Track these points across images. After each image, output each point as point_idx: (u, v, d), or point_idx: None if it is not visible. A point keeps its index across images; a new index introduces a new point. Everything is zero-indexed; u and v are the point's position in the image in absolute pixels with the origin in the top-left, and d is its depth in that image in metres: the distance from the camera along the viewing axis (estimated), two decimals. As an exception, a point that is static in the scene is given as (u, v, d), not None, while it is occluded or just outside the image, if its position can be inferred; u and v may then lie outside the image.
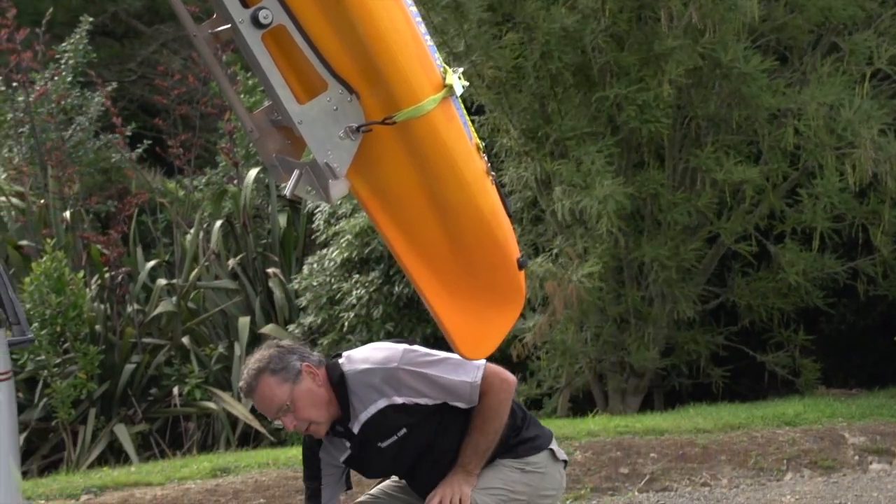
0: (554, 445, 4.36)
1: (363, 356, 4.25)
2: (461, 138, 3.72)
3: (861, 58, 9.92)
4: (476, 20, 9.69)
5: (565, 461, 4.39)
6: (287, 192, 3.64)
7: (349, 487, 4.50)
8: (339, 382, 4.19)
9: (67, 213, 12.95)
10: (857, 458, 8.26)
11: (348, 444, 4.29)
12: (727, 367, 10.99)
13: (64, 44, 14.92)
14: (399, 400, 4.16)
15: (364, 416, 4.20)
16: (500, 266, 3.85)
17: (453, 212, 3.72)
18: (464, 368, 4.20)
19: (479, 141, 3.81)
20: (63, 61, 14.72)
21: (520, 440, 4.31)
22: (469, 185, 3.70)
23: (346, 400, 4.20)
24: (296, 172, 3.62)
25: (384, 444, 4.24)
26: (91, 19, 15.48)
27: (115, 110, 13.94)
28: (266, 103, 3.79)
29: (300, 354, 4.20)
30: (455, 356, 4.07)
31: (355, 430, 4.24)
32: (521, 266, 3.85)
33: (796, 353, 10.91)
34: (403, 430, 4.21)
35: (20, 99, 13.62)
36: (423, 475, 4.32)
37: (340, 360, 4.25)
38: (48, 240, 11.24)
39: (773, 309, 10.67)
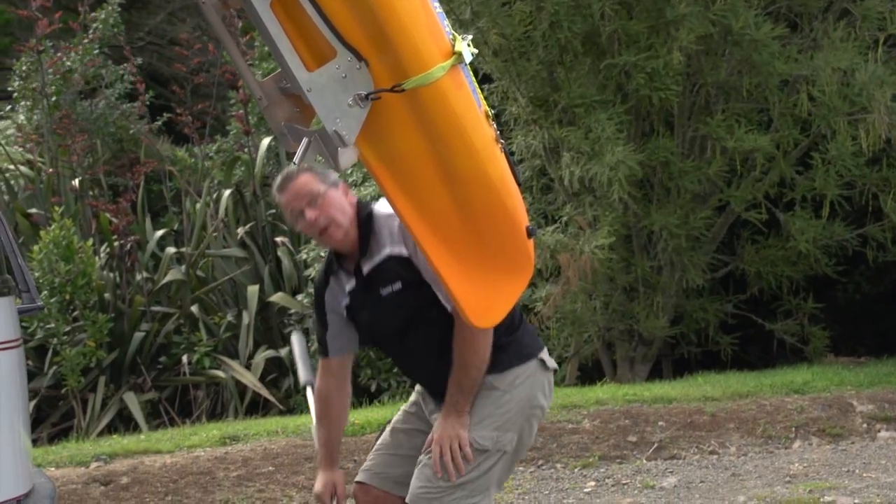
0: (544, 355, 4.34)
1: None
2: (470, 106, 3.71)
3: (873, 23, 9.86)
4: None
5: (555, 370, 4.39)
6: (296, 159, 3.66)
7: (364, 344, 4.50)
8: (365, 219, 4.23)
9: (76, 182, 12.94)
10: (865, 425, 8.26)
11: (351, 288, 4.33)
12: (736, 335, 10.98)
13: (94, 14, 14.85)
14: (405, 252, 4.17)
15: (377, 258, 4.23)
16: (508, 234, 3.85)
17: (462, 179, 3.71)
18: None
19: (487, 108, 3.80)
20: (91, 31, 14.66)
21: (511, 341, 4.26)
22: (478, 153, 3.70)
23: (367, 238, 4.23)
24: (304, 140, 3.61)
25: (384, 293, 4.23)
26: None
27: (141, 80, 13.96)
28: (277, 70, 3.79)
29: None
30: None
31: (365, 270, 4.26)
32: (529, 234, 3.86)
33: (805, 321, 10.91)
34: (399, 285, 4.21)
35: (40, 69, 13.59)
36: (409, 343, 4.31)
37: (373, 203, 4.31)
38: (56, 208, 11.24)
39: (782, 277, 10.66)
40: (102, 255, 12.10)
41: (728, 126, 9.80)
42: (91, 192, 13.06)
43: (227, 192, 12.94)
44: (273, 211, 13.11)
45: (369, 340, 4.49)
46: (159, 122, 15.01)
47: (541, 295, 10.11)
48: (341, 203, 4.20)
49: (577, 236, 9.81)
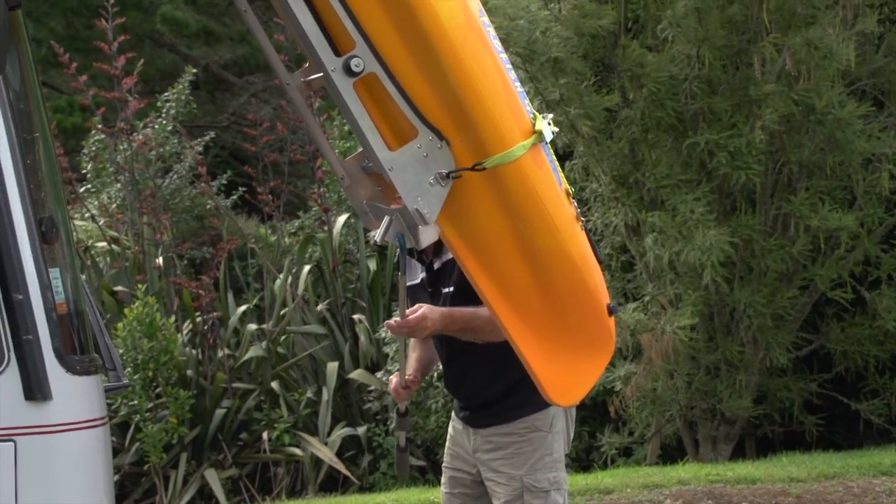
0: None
1: None
2: (551, 184, 3.74)
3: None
4: (572, 71, 9.70)
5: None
6: (377, 238, 3.79)
7: None
8: None
9: (160, 259, 13.12)
10: (957, 509, 8.06)
11: (420, 278, 4.50)
12: (821, 415, 10.79)
13: (167, 94, 15.18)
14: None
15: (445, 256, 4.38)
16: (590, 312, 3.88)
17: (543, 258, 3.75)
18: None
19: (568, 187, 3.82)
20: (164, 111, 14.97)
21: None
22: (559, 231, 3.73)
23: None
24: (386, 219, 3.71)
25: (444, 291, 4.37)
26: (194, 70, 15.75)
27: (202, 160, 14.16)
28: (358, 150, 3.83)
29: None
30: None
31: (435, 265, 4.43)
32: (611, 312, 3.90)
33: (892, 401, 10.69)
34: (452, 288, 4.34)
35: (123, 147, 13.86)
36: (454, 345, 4.44)
37: None
38: (140, 285, 11.39)
39: (868, 356, 10.48)
40: (185, 331, 12.21)
41: (811, 204, 9.72)
42: (175, 270, 13.21)
43: (306, 269, 13.03)
44: (353, 286, 13.17)
45: None
46: (234, 197, 15.21)
47: (620, 374, 10.04)
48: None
49: (659, 315, 9.74)
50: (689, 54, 9.66)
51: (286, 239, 14.12)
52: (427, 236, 3.68)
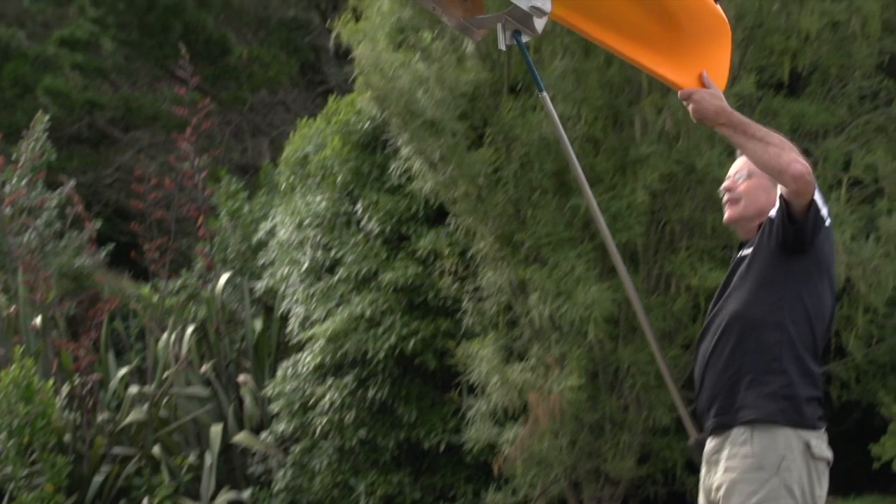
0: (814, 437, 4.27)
1: None
2: None
3: (836, 164, 9.94)
4: (450, 132, 9.71)
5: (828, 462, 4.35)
6: (501, 45, 4.03)
7: None
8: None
9: (38, 320, 12.81)
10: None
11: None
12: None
13: (21, 143, 14.88)
14: (745, 252, 4.39)
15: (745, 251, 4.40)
16: (703, 12, 4.21)
17: None
18: None
19: None
20: (21, 163, 14.65)
21: (776, 390, 4.18)
22: None
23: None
24: (499, 26, 3.96)
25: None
26: (48, 116, 15.45)
27: (79, 200, 13.90)
28: None
29: None
30: None
31: (744, 252, 4.40)
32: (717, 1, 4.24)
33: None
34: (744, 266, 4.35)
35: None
36: (714, 336, 4.34)
37: None
38: (17, 347, 11.09)
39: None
40: (63, 394, 11.91)
41: (691, 263, 9.80)
42: (54, 331, 12.91)
43: (189, 329, 12.82)
44: (238, 346, 12.99)
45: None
46: (106, 251, 14.96)
47: (508, 437, 9.99)
48: (759, 194, 4.35)
49: (546, 375, 9.72)
50: (569, 115, 9.71)
51: (170, 298, 13.89)
52: (539, 23, 3.90)
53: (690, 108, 4.21)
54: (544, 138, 9.66)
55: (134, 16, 18.40)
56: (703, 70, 4.17)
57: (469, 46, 9.96)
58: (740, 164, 4.44)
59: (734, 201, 4.44)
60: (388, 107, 9.86)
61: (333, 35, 10.78)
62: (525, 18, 3.85)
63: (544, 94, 4.32)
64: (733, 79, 9.86)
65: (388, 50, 10.00)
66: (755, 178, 4.36)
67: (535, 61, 9.79)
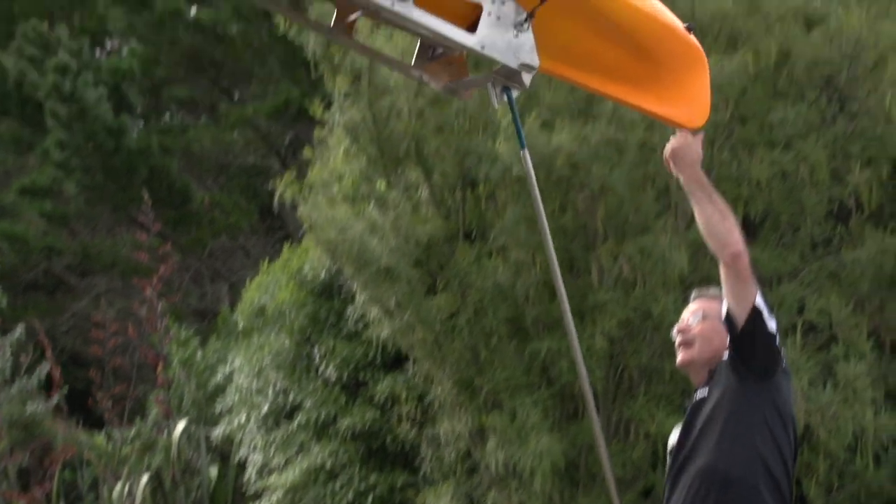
0: None
1: None
2: None
3: (790, 309, 10.00)
4: (406, 279, 9.75)
5: None
6: (495, 103, 4.15)
7: None
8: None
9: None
10: None
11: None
12: None
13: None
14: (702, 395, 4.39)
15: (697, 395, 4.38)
16: (675, 43, 4.28)
17: (626, 28, 4.15)
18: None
19: None
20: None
21: None
22: (630, 3, 4.12)
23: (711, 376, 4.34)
24: (489, 85, 4.09)
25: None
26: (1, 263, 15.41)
27: (47, 342, 13.79)
28: (416, 51, 4.16)
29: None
30: None
31: (700, 394, 4.39)
32: (689, 30, 4.31)
33: None
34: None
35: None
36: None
37: None
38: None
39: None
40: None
41: (649, 410, 9.78)
42: (4, 482, 12.66)
43: (144, 478, 12.60)
44: (194, 495, 12.77)
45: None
46: (58, 398, 14.77)
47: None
48: (713, 337, 4.36)
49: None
50: (524, 262, 9.77)
51: (125, 447, 13.69)
52: (527, 77, 3.99)
53: (671, 146, 4.28)
54: (498, 284, 9.71)
55: (99, 159, 18.51)
56: (686, 100, 4.31)
57: (424, 193, 10.08)
58: (694, 307, 4.47)
59: (688, 344, 4.45)
60: (340, 257, 9.93)
61: (277, 194, 10.98)
62: (513, 74, 3.96)
63: (525, 151, 4.43)
64: (687, 225, 10.00)
65: (340, 201, 10.12)
66: (709, 320, 4.38)
67: (490, 209, 9.91)
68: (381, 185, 10.24)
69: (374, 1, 3.74)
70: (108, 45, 22.71)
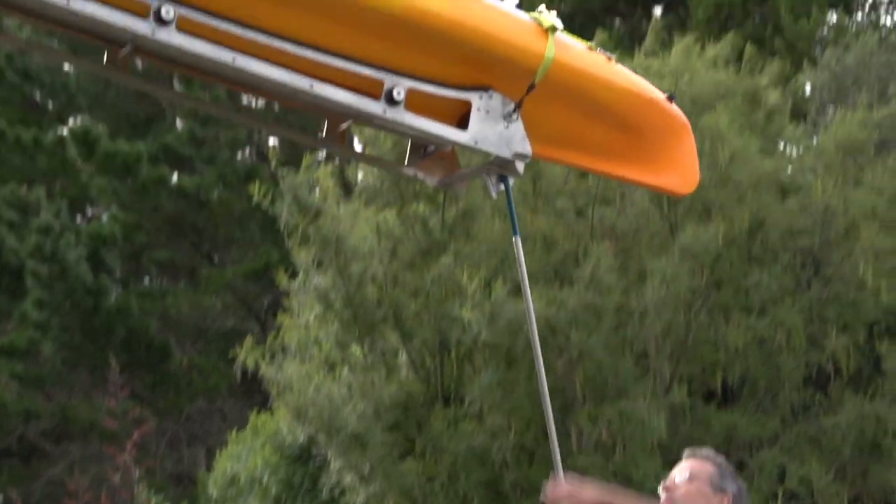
0: None
1: None
2: (583, 55, 4.13)
3: (770, 475, 9.92)
4: (379, 444, 9.67)
5: None
6: (492, 194, 4.23)
7: None
8: None
9: None
10: None
11: None
12: None
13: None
14: None
15: None
16: (659, 115, 4.34)
17: (613, 109, 4.22)
18: None
19: (587, 42, 4.22)
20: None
21: None
22: (613, 82, 4.18)
23: None
24: (484, 176, 4.18)
25: None
26: None
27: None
28: (408, 152, 4.24)
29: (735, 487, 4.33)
30: None
31: None
32: (671, 99, 4.39)
33: None
34: None
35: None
36: None
37: None
38: None
39: None
40: None
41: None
42: None
43: None
44: None
45: None
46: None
47: None
48: (698, 500, 4.25)
49: None
50: (500, 426, 9.71)
51: None
52: (521, 165, 4.06)
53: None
54: (472, 448, 9.62)
55: (78, 318, 18.43)
56: (675, 168, 4.42)
57: (402, 357, 10.07)
58: (683, 465, 4.42)
59: None
60: (311, 422, 9.89)
61: (238, 363, 11.01)
62: (507, 164, 4.03)
63: (517, 237, 4.43)
64: (665, 389, 9.99)
65: (311, 366, 10.12)
66: (696, 482, 4.32)
67: (466, 374, 9.90)
68: (356, 349, 10.23)
69: (366, 110, 3.82)
70: (89, 211, 22.82)
